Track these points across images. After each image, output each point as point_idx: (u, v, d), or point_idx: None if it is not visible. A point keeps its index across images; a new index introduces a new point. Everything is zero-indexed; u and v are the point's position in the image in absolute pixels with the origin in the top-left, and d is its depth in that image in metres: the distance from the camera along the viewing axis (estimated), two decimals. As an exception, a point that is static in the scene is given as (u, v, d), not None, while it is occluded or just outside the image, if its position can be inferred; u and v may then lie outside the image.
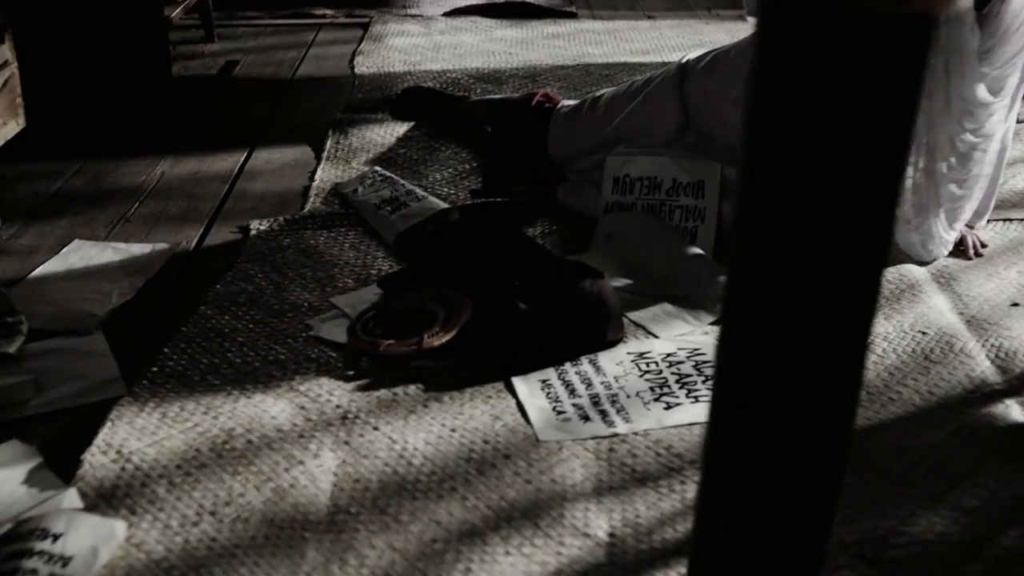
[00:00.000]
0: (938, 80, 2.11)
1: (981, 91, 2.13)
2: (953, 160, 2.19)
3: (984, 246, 2.38)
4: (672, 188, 2.30)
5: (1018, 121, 2.97)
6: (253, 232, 2.38)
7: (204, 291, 2.13)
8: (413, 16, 4.32)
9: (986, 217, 2.44)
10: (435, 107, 3.07)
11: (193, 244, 2.36)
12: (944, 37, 2.06)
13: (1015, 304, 2.14)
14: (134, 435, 1.65)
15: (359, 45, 3.88)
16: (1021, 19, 2.10)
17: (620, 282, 2.10)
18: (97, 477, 1.56)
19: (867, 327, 0.82)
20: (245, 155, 2.85)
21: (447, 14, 4.35)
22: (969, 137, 2.17)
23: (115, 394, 1.78)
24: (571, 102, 2.66)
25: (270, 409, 1.73)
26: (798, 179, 0.76)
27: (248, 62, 3.73)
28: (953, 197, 2.24)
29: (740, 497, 0.89)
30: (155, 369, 1.84)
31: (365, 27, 4.14)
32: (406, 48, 3.83)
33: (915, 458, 1.66)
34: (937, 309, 2.10)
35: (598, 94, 2.62)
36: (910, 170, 2.24)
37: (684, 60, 2.48)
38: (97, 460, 1.59)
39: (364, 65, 3.63)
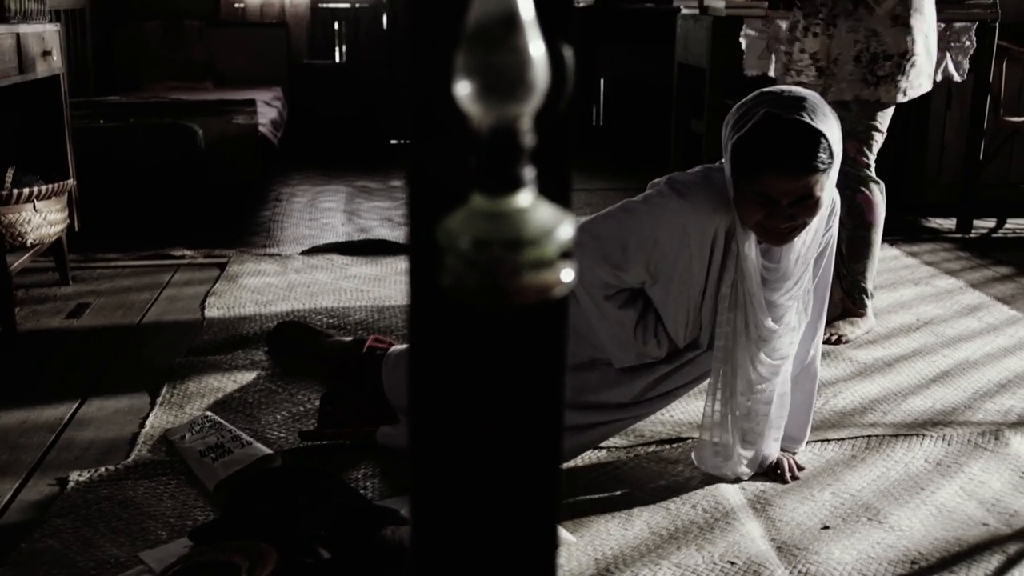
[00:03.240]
0: (740, 305, 2.23)
1: (768, 320, 2.25)
2: (752, 380, 2.30)
3: (801, 469, 2.45)
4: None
5: (825, 341, 3.13)
6: (71, 484, 2.33)
7: (9, 550, 2.06)
8: (271, 255, 4.40)
9: (804, 441, 2.53)
10: (304, 342, 3.10)
11: (6, 499, 2.30)
12: (740, 266, 2.20)
13: (826, 527, 2.20)
14: None
15: (213, 286, 3.91)
16: (798, 253, 2.24)
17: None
18: None
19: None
20: (78, 403, 2.82)
21: (305, 252, 4.44)
22: (765, 359, 2.29)
23: None
24: (402, 346, 2.71)
25: None
26: (456, 451, 0.80)
27: (99, 305, 3.73)
28: (749, 416, 2.33)
29: None
30: (-63, 641, 1.76)
31: (222, 267, 4.20)
32: (260, 288, 3.88)
33: None
34: (749, 536, 2.14)
35: None
36: (710, 391, 2.33)
37: None
38: None
39: (215, 306, 3.65)
